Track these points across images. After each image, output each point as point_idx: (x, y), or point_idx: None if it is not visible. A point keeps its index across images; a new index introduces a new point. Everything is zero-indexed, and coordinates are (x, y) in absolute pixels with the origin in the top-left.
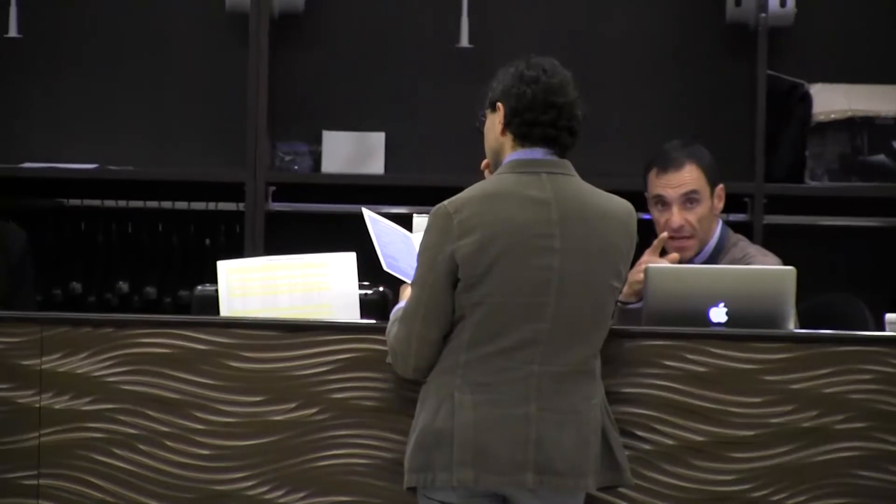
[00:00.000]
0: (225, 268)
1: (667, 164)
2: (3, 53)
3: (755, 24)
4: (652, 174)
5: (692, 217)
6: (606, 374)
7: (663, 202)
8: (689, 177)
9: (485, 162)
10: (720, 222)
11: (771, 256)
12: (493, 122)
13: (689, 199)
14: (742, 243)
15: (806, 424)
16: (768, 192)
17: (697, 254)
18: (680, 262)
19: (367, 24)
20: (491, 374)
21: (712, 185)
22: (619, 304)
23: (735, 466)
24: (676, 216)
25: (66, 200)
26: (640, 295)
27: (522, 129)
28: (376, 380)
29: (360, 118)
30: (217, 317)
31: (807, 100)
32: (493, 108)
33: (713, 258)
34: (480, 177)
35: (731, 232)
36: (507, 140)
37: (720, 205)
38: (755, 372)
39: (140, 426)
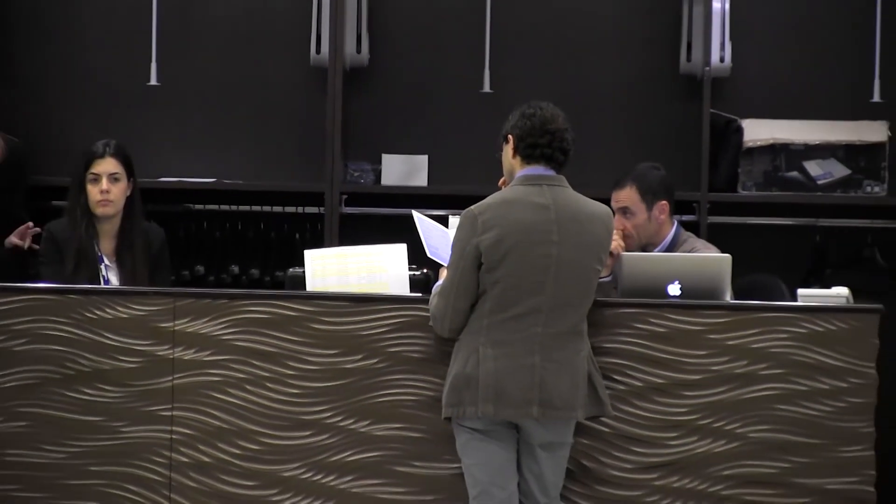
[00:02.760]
0: (310, 255)
1: (616, 184)
2: (146, 97)
3: (701, 75)
4: None
5: (628, 224)
6: (592, 333)
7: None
8: (624, 196)
9: (501, 180)
10: (675, 224)
11: (712, 248)
12: (507, 150)
13: (624, 212)
14: (691, 240)
15: (738, 371)
16: (711, 199)
17: (644, 248)
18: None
19: (414, 74)
20: (506, 334)
21: (650, 202)
22: None
23: (686, 402)
24: (617, 222)
25: (192, 205)
26: (609, 271)
27: (527, 150)
28: (421, 338)
29: (409, 145)
30: (304, 291)
31: (739, 131)
32: (506, 140)
33: (669, 251)
34: (497, 188)
35: (683, 231)
36: (517, 162)
37: (662, 216)
38: (701, 332)
39: (247, 372)
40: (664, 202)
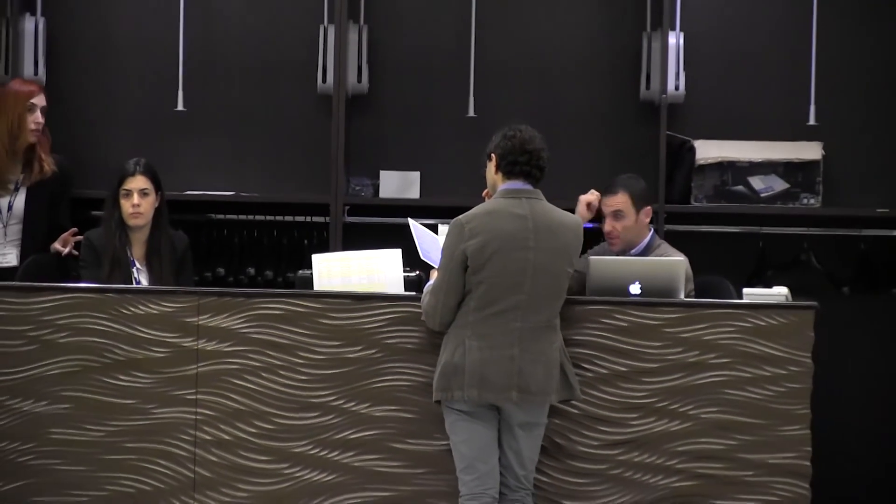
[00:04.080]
0: (317, 259)
1: (607, 190)
2: (174, 120)
3: (658, 102)
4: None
5: (618, 226)
6: (564, 327)
7: (604, 214)
8: (617, 201)
9: (485, 192)
10: (651, 231)
11: (681, 255)
12: (490, 167)
13: (616, 215)
14: (664, 246)
15: (691, 360)
16: (667, 210)
17: (626, 250)
18: (610, 254)
19: (408, 101)
20: (489, 328)
21: (638, 207)
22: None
23: (646, 387)
24: (608, 224)
25: (213, 215)
26: (588, 218)
27: (508, 167)
28: (414, 331)
29: (403, 162)
30: (312, 290)
31: (692, 150)
32: (490, 158)
33: (643, 254)
34: (481, 200)
35: (657, 237)
36: (499, 177)
37: (646, 220)
38: (659, 326)
39: (262, 361)
40: (649, 207)
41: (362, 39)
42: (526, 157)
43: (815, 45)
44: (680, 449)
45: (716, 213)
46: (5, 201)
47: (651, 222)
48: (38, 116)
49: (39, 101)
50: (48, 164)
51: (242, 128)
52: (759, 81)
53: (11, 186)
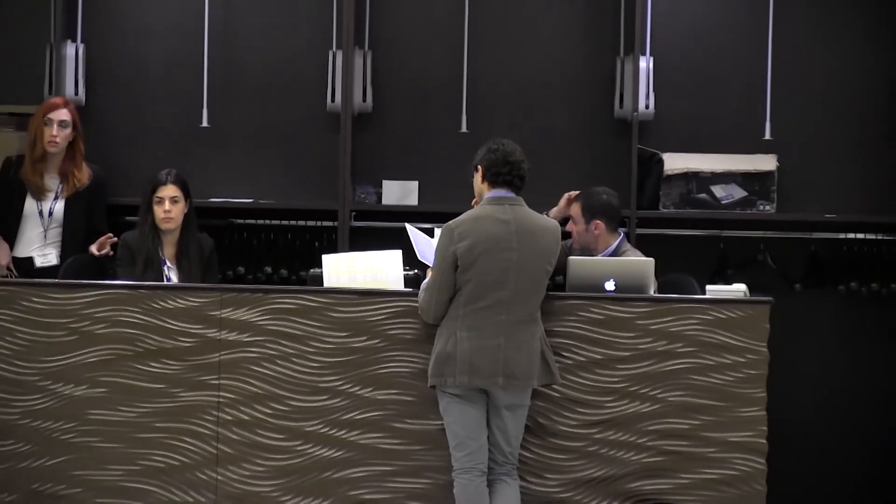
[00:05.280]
0: (326, 259)
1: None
2: (199, 135)
3: (631, 119)
4: None
5: (573, 230)
6: (545, 319)
7: None
8: (573, 208)
9: (473, 200)
10: (620, 237)
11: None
12: (477, 177)
13: (572, 219)
14: (630, 251)
15: (660, 349)
16: (639, 215)
17: (584, 252)
18: (574, 252)
19: (406, 118)
20: (478, 321)
21: (587, 218)
22: None
23: (619, 373)
24: (569, 225)
25: (235, 220)
26: (558, 216)
27: (493, 177)
28: (413, 323)
29: (403, 172)
30: (322, 287)
31: (661, 162)
32: (476, 169)
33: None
34: (470, 207)
35: (626, 243)
36: (485, 186)
37: (597, 232)
38: (631, 318)
39: (276, 349)
40: (598, 222)
41: (367, 64)
42: (508, 168)
43: (770, 69)
44: (649, 428)
45: (682, 218)
46: (46, 207)
47: (623, 225)
48: (54, 129)
49: (57, 115)
50: (78, 178)
51: (260, 142)
52: (721, 101)
53: (51, 195)
